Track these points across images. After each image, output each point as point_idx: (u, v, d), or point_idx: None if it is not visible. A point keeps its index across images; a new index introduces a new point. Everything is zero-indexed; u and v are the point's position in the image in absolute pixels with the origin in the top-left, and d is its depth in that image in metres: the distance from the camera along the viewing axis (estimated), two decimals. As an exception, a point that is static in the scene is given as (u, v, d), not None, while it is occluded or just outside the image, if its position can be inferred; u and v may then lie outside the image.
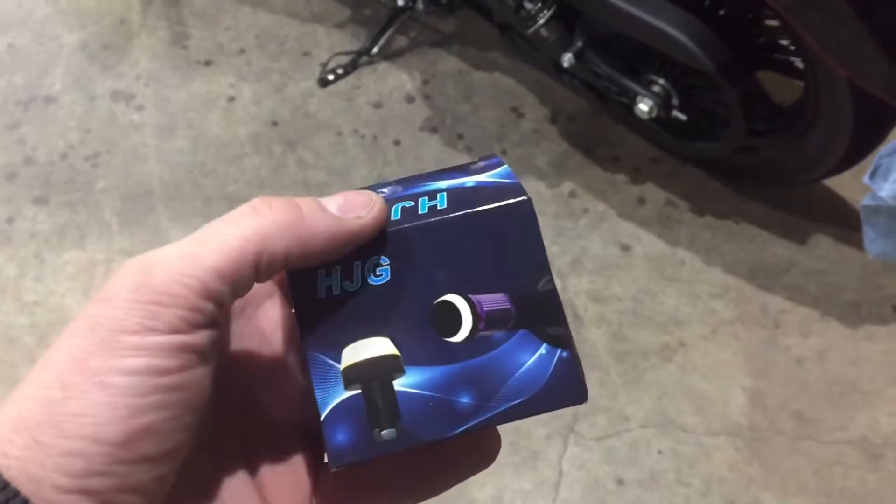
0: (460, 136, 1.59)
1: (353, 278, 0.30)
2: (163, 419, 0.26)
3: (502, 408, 0.30)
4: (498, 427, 0.32)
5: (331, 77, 1.68)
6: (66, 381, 0.25)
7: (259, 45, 1.75)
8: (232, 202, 1.50)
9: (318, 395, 0.29)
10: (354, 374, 0.29)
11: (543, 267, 0.31)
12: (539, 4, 1.32)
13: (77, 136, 1.61)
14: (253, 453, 0.31)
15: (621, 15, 1.22)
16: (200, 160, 1.58)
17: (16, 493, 0.24)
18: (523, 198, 0.31)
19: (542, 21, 1.32)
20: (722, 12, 1.25)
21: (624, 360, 1.32)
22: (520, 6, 1.34)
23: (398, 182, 0.33)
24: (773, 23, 1.24)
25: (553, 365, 0.30)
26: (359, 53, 1.69)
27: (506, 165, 0.33)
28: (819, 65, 1.17)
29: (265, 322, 0.33)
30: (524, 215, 0.31)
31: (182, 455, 0.27)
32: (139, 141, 1.61)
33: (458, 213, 0.31)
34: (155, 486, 0.26)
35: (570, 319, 0.31)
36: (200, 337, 0.27)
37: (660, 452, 1.24)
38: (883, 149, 1.12)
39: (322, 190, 1.51)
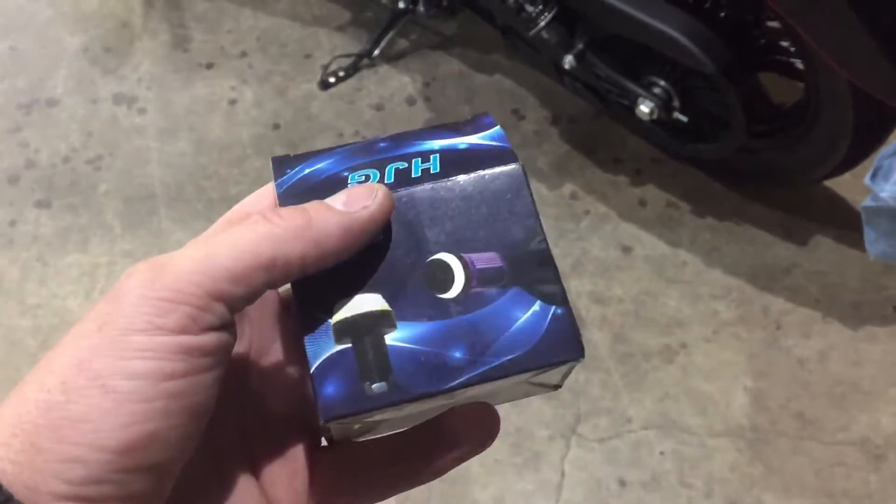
0: (461, 138, 1.59)
1: None
2: (167, 427, 0.25)
3: (495, 363, 0.29)
4: (499, 428, 0.32)
5: (332, 79, 1.68)
6: (68, 385, 0.25)
7: (261, 48, 1.75)
8: (234, 204, 1.50)
9: (309, 348, 0.29)
10: (345, 328, 0.29)
11: (535, 227, 0.31)
12: (540, 7, 1.32)
13: (79, 139, 1.62)
14: (251, 444, 0.31)
15: (622, 17, 1.22)
16: (202, 162, 1.58)
17: (9, 498, 0.24)
18: (515, 164, 0.32)
19: (542, 23, 1.32)
20: (722, 14, 1.25)
21: (626, 361, 1.32)
22: (521, 9, 1.34)
23: (391, 138, 0.33)
24: (773, 24, 1.25)
25: (547, 321, 0.30)
26: (360, 56, 1.70)
27: (498, 127, 0.33)
28: (820, 66, 1.17)
29: (260, 312, 0.33)
30: (516, 181, 0.32)
31: (184, 462, 0.27)
32: (141, 144, 1.61)
33: (451, 179, 0.31)
34: (155, 492, 0.26)
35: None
36: (209, 339, 0.26)
37: (662, 453, 1.24)
38: (884, 150, 1.12)
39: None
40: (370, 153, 0.33)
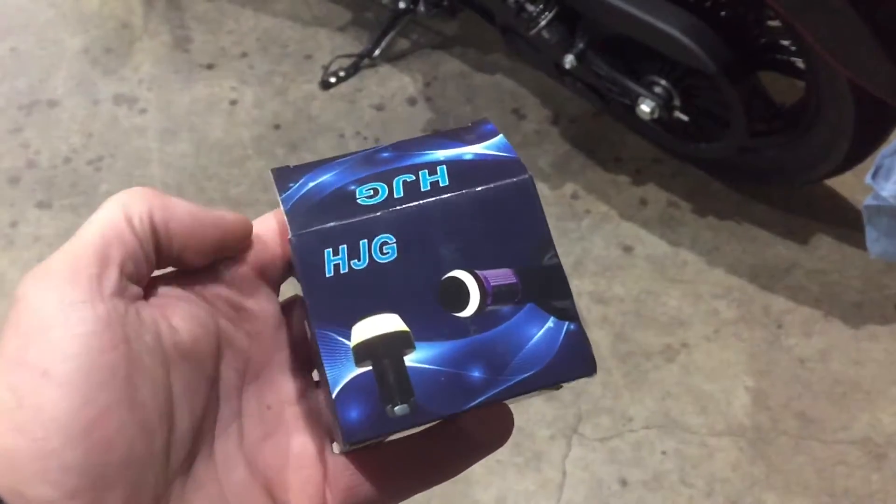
0: (462, 138, 1.59)
1: (360, 256, 0.30)
2: (118, 400, 0.26)
3: (513, 381, 0.30)
4: (514, 424, 0.32)
5: (333, 80, 1.68)
6: (12, 383, 0.25)
7: (261, 49, 1.75)
8: (235, 205, 1.51)
9: (329, 372, 0.29)
10: (365, 351, 0.29)
11: (547, 242, 0.31)
12: (540, 6, 1.32)
13: (80, 139, 1.62)
14: (256, 453, 0.31)
15: (622, 16, 1.22)
16: (203, 163, 1.58)
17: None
18: (525, 176, 0.32)
19: (543, 23, 1.32)
20: (723, 13, 1.25)
21: (627, 360, 1.32)
22: (521, 8, 1.34)
23: (393, 147, 0.33)
24: (774, 23, 1.25)
25: (561, 338, 0.30)
26: (361, 56, 1.70)
27: (501, 136, 0.33)
28: (820, 65, 1.17)
29: (259, 318, 0.32)
30: (526, 193, 0.32)
31: (151, 438, 0.27)
32: (142, 144, 1.61)
33: (461, 192, 0.31)
34: (136, 476, 0.26)
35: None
36: (118, 307, 0.27)
37: (663, 453, 1.24)
38: (885, 149, 1.12)
39: (324, 192, 1.51)
40: (374, 164, 0.32)
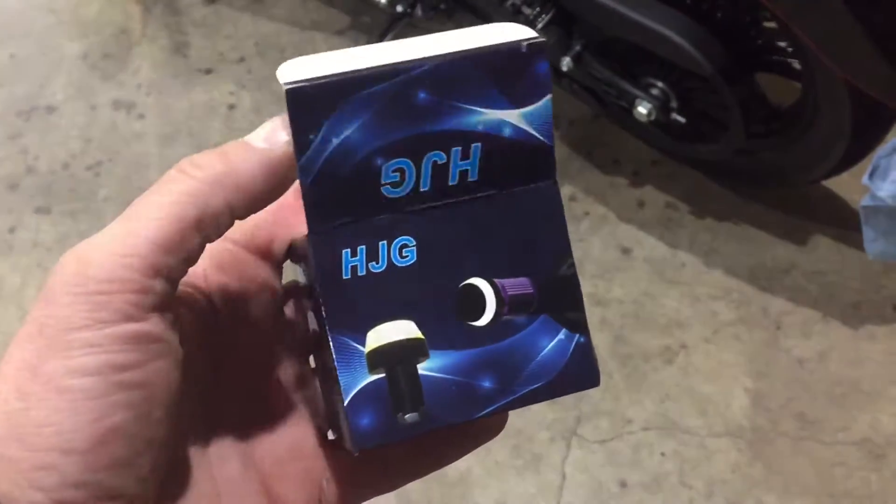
0: (460, 142, 1.60)
1: (378, 259, 0.29)
2: (130, 418, 0.25)
3: (522, 392, 0.30)
4: (508, 414, 0.32)
5: (331, 84, 1.68)
6: (23, 391, 0.24)
7: (259, 53, 1.75)
8: (233, 209, 1.51)
9: (343, 379, 0.29)
10: (379, 358, 0.29)
11: (566, 251, 0.31)
12: (537, 9, 1.33)
13: (79, 145, 1.62)
14: (252, 444, 0.31)
15: (619, 18, 1.22)
16: (202, 168, 1.58)
17: None
18: (551, 182, 0.31)
19: (539, 25, 1.32)
20: (719, 15, 1.25)
21: (626, 362, 1.32)
22: (517, 11, 1.35)
23: (431, 79, 0.29)
24: (770, 25, 1.25)
25: (571, 350, 0.30)
26: (358, 60, 1.70)
27: (548, 97, 0.30)
28: (817, 66, 1.17)
29: (260, 306, 0.31)
30: (551, 200, 0.31)
31: (157, 452, 0.26)
32: (141, 149, 1.61)
33: (488, 195, 0.30)
34: (134, 488, 0.25)
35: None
36: (156, 322, 0.25)
37: (662, 455, 1.24)
38: (881, 149, 1.12)
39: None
40: (408, 115, 0.29)
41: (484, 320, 0.30)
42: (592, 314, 1.37)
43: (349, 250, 0.29)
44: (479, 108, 0.30)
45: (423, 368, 0.29)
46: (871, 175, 1.12)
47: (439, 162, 0.29)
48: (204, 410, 0.30)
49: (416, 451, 0.31)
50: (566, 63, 1.33)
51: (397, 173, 0.29)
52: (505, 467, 1.22)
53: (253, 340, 0.31)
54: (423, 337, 0.29)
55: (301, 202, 0.28)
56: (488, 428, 0.32)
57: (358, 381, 0.29)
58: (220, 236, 0.27)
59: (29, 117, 1.67)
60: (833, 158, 1.26)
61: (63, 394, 0.24)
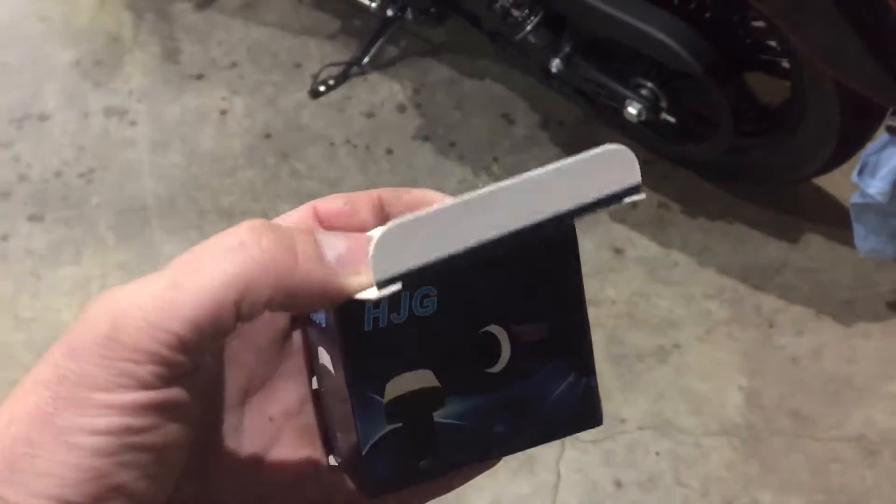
0: (452, 145, 1.60)
1: (400, 310, 0.29)
2: (135, 478, 0.25)
3: (532, 434, 0.31)
4: None
5: (322, 88, 1.68)
6: (32, 438, 0.24)
7: (251, 59, 1.76)
8: (226, 215, 1.51)
9: (361, 429, 0.29)
10: (398, 408, 0.29)
11: (580, 297, 0.31)
12: (526, 11, 1.33)
13: (71, 152, 1.62)
14: (255, 471, 0.30)
15: (607, 19, 1.23)
16: (194, 174, 1.58)
17: None
18: (569, 227, 0.30)
19: (529, 27, 1.33)
20: (708, 14, 1.25)
21: (620, 362, 1.32)
22: (507, 13, 1.35)
23: (512, 245, 0.27)
24: (759, 24, 1.25)
25: (580, 393, 0.31)
26: (350, 64, 1.70)
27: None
28: (805, 65, 1.17)
29: (268, 331, 0.31)
30: (569, 247, 0.31)
31: (165, 491, 0.26)
32: (133, 156, 1.61)
33: (508, 239, 0.28)
34: None
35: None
36: (176, 391, 0.25)
37: (657, 454, 1.24)
38: (870, 146, 1.12)
39: (316, 200, 1.51)
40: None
41: (499, 367, 0.30)
42: (586, 315, 1.37)
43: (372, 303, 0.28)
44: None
45: (439, 416, 0.30)
46: (860, 172, 1.12)
47: None
48: (209, 441, 0.30)
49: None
50: (556, 65, 1.34)
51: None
52: (499, 468, 1.22)
53: (261, 365, 0.31)
54: (440, 386, 0.30)
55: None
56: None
57: (376, 430, 0.29)
58: (251, 321, 0.26)
59: (21, 125, 1.67)
60: (823, 156, 1.27)
61: (72, 449, 0.24)
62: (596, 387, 0.31)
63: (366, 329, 0.29)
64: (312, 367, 0.32)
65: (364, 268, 0.26)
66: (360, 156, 1.60)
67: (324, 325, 0.30)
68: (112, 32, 1.82)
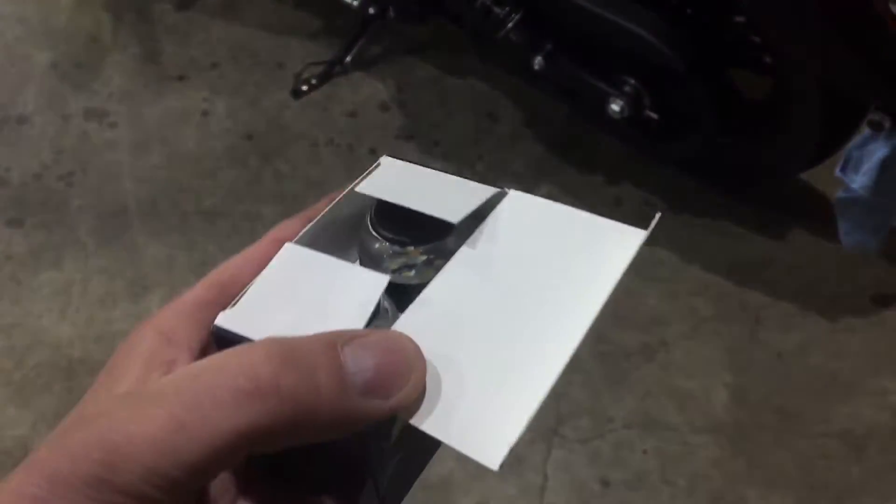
0: (436, 143, 1.59)
1: None
2: None
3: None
4: None
5: (304, 88, 1.67)
6: (36, 496, 0.22)
7: (232, 59, 1.74)
8: (209, 216, 1.50)
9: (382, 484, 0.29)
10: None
11: None
12: (507, 9, 1.32)
13: (50, 155, 1.60)
14: None
15: (589, 16, 1.22)
16: (176, 175, 1.57)
17: None
18: None
19: (510, 25, 1.32)
20: (689, 10, 1.25)
21: (606, 360, 1.31)
22: (488, 11, 1.34)
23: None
24: (741, 19, 1.25)
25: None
26: (332, 63, 1.69)
27: None
28: (788, 61, 1.17)
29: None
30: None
31: None
32: (113, 158, 1.60)
33: None
34: None
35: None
36: None
37: (644, 452, 1.23)
38: (853, 141, 1.12)
39: (299, 201, 1.50)
40: None
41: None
42: (571, 313, 1.36)
43: None
44: None
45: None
46: (844, 167, 1.12)
47: None
48: None
49: None
50: (538, 62, 1.33)
51: None
52: (486, 470, 1.21)
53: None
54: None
55: None
56: None
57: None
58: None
59: (0, 128, 1.65)
60: (806, 152, 1.26)
61: None
62: None
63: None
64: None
65: (395, 391, 0.24)
66: (343, 155, 1.59)
67: None
68: (91, 33, 1.80)
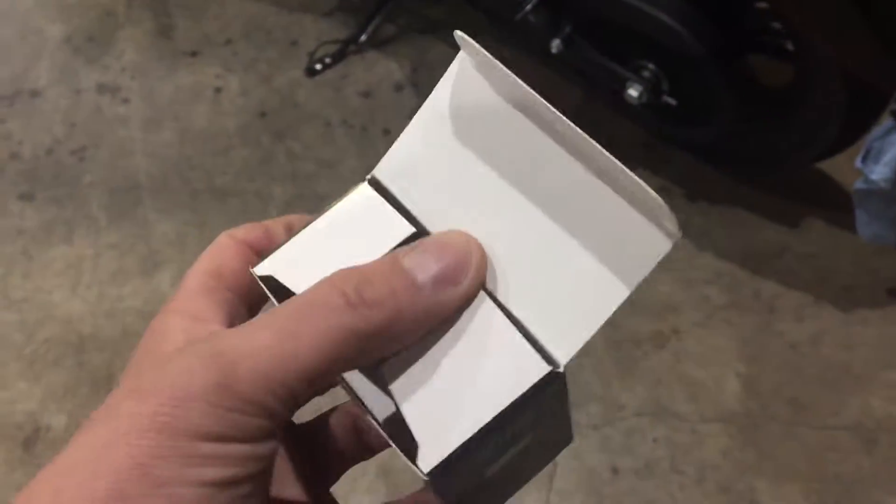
0: (450, 125, 1.58)
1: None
2: None
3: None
4: None
5: (318, 66, 1.66)
6: (126, 492, 0.22)
7: (246, 36, 1.73)
8: (220, 195, 1.49)
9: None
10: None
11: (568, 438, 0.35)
12: (526, -10, 1.31)
13: (63, 130, 1.60)
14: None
15: (609, 0, 1.20)
16: (187, 153, 1.56)
17: None
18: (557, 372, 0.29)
19: (528, 7, 1.30)
20: (711, -5, 1.23)
21: (618, 348, 1.31)
22: (507, -8, 1.32)
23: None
24: (763, 5, 1.23)
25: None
26: (347, 42, 1.68)
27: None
28: (810, 48, 1.15)
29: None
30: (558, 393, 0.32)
31: None
32: (125, 134, 1.59)
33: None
34: None
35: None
36: (273, 445, 0.25)
37: (654, 440, 1.23)
38: (874, 131, 1.11)
39: (311, 181, 1.49)
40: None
41: None
42: (583, 299, 1.36)
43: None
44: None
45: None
46: (864, 158, 1.10)
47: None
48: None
49: None
50: (556, 46, 1.31)
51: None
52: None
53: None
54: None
55: None
56: None
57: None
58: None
59: (12, 102, 1.64)
60: (826, 141, 1.25)
61: (172, 500, 0.23)
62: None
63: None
64: None
65: (463, 276, 0.27)
66: (356, 136, 1.58)
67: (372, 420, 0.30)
68: (104, 7, 1.79)
